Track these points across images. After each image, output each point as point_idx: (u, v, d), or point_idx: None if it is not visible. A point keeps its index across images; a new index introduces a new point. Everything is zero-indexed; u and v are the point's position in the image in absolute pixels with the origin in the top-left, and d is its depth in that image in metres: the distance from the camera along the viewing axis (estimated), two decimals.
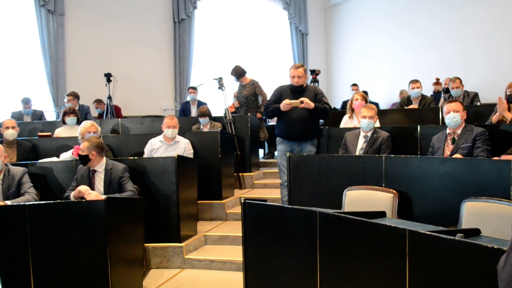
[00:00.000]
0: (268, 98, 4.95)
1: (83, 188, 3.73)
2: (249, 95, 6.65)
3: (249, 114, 6.46)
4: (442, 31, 9.18)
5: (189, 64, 9.57)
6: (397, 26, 10.14)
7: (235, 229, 4.68)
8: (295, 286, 2.70)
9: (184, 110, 7.65)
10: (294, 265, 2.70)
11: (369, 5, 10.89)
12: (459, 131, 3.94)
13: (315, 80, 7.66)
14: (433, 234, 1.97)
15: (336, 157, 4.17)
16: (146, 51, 9.16)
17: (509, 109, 4.48)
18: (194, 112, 7.40)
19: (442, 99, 6.75)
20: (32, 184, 3.89)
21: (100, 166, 3.95)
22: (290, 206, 2.91)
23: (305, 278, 2.62)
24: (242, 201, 2.97)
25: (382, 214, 2.66)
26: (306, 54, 11.73)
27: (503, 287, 0.82)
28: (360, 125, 4.47)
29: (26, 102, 6.93)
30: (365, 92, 8.50)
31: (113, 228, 3.25)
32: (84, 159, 3.92)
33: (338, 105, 10.06)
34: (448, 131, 4.01)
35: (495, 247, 1.71)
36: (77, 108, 6.72)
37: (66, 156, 4.67)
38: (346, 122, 5.47)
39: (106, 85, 7.44)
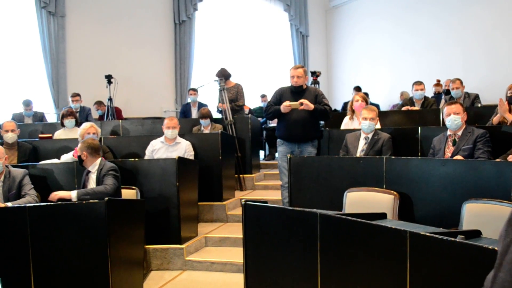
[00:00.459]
0: (269, 99, 4.96)
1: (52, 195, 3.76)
2: (233, 98, 6.65)
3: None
4: (442, 32, 9.18)
5: (189, 65, 9.58)
6: (398, 27, 10.14)
7: (236, 230, 4.68)
8: None
9: (184, 112, 7.65)
10: (295, 266, 2.70)
11: (369, 6, 10.89)
12: (460, 133, 3.93)
13: (315, 82, 7.66)
14: (434, 235, 1.97)
15: (336, 158, 4.17)
16: (147, 52, 9.17)
17: (510, 111, 4.47)
18: (194, 113, 7.40)
19: (443, 101, 6.74)
20: (32, 186, 3.89)
21: (93, 166, 3.98)
22: (290, 208, 2.91)
23: (305, 280, 2.61)
24: (243, 202, 2.97)
25: (383, 216, 2.65)
26: (306, 56, 11.74)
27: None
28: (361, 126, 4.47)
29: (27, 104, 6.93)
30: (366, 94, 8.50)
31: (114, 230, 3.25)
32: (79, 160, 4.02)
33: (338, 107, 10.06)
34: (449, 132, 4.00)
35: (496, 248, 1.71)
36: (79, 108, 6.79)
37: (67, 157, 4.68)
38: (346, 123, 5.46)
39: (106, 87, 7.44)
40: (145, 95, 9.00)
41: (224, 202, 5.28)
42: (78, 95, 7.00)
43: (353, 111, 5.33)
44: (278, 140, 4.85)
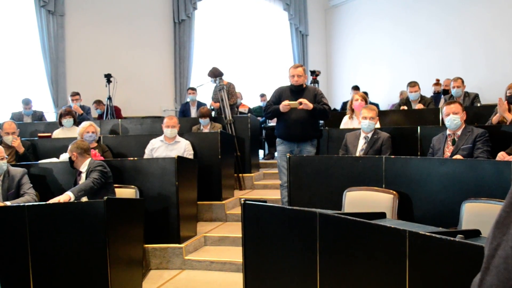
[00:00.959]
0: (268, 99, 4.96)
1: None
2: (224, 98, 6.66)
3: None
4: (442, 32, 9.18)
5: (189, 65, 9.57)
6: (397, 27, 10.14)
7: (235, 230, 4.68)
8: (295, 287, 2.70)
9: (184, 111, 7.65)
10: (294, 266, 2.70)
11: (369, 6, 10.89)
12: (459, 132, 3.93)
13: (315, 81, 7.65)
14: (433, 235, 1.96)
15: (336, 158, 4.17)
16: (146, 51, 9.16)
17: (509, 110, 4.48)
18: (193, 113, 7.40)
19: (442, 100, 6.74)
20: (31, 185, 3.89)
21: (84, 166, 3.98)
22: (290, 207, 2.92)
23: (305, 279, 2.61)
24: (242, 202, 2.97)
25: (382, 215, 2.65)
26: (306, 55, 11.73)
27: None
28: (361, 126, 4.47)
29: (26, 103, 6.93)
30: (365, 93, 8.50)
31: (113, 229, 3.24)
32: (70, 161, 4.03)
33: (338, 106, 10.05)
34: (448, 132, 4.00)
35: None
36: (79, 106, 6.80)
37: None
38: (346, 122, 5.46)
39: (106, 86, 7.43)
40: (144, 94, 8.99)
41: (223, 202, 5.28)
42: (78, 94, 6.99)
43: (352, 111, 5.33)
44: (278, 139, 4.84)
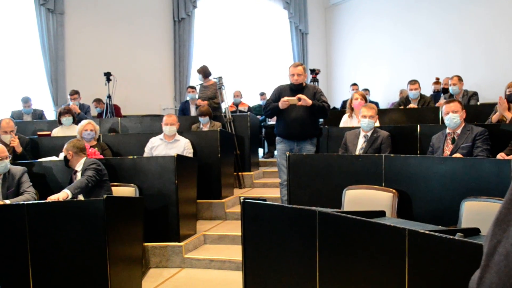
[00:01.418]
0: (268, 97, 4.96)
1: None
2: (212, 96, 6.66)
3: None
4: (442, 30, 9.17)
5: (188, 63, 9.56)
6: (397, 25, 10.13)
7: (235, 228, 4.68)
8: (294, 286, 2.70)
9: (183, 110, 7.64)
10: (294, 264, 2.70)
11: (369, 4, 10.88)
12: (459, 131, 3.93)
13: (315, 80, 7.65)
14: (433, 233, 1.96)
15: (335, 156, 4.17)
16: (146, 50, 9.15)
17: (509, 109, 4.47)
18: (193, 111, 7.39)
19: (442, 99, 6.74)
20: (31, 184, 3.89)
21: (79, 166, 3.98)
22: (289, 206, 2.91)
23: (304, 278, 2.61)
24: (242, 200, 2.97)
25: (381, 214, 2.65)
26: (306, 54, 11.72)
27: None
28: (360, 124, 4.47)
29: (25, 101, 6.92)
30: (367, 90, 8.54)
31: (112, 227, 3.24)
32: (65, 160, 4.03)
33: (338, 105, 10.05)
34: (447, 130, 4.00)
35: None
36: (78, 105, 6.77)
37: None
38: (345, 121, 5.46)
39: (105, 84, 7.42)
40: (144, 93, 8.98)
41: (223, 200, 5.28)
42: (77, 92, 6.97)
43: (352, 109, 5.34)
44: (277, 138, 4.84)
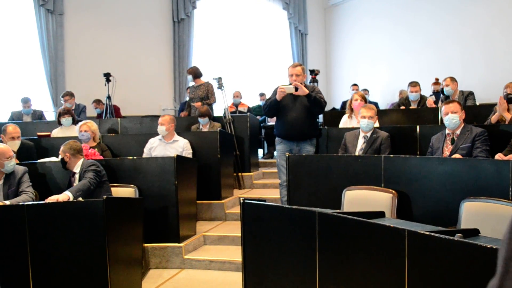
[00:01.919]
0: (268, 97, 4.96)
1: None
2: (203, 96, 6.67)
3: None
4: (441, 31, 9.18)
5: (188, 63, 9.55)
6: (397, 26, 10.14)
7: (234, 229, 4.68)
8: (294, 286, 2.70)
9: (183, 110, 7.64)
10: (293, 265, 2.70)
11: (368, 5, 10.89)
12: (458, 132, 3.93)
13: (314, 80, 7.65)
14: (432, 234, 1.97)
15: (335, 157, 4.18)
16: (146, 50, 9.15)
17: (508, 110, 4.48)
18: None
19: (440, 101, 6.74)
20: (30, 184, 3.88)
21: (77, 167, 3.98)
22: (289, 206, 2.92)
23: (304, 278, 2.61)
24: (241, 201, 2.97)
25: (381, 214, 2.66)
26: (305, 54, 11.72)
27: None
28: (360, 125, 4.47)
29: (25, 101, 6.91)
30: (366, 90, 8.56)
31: (112, 228, 3.25)
32: (62, 162, 4.01)
33: (337, 105, 10.07)
34: (447, 131, 4.00)
35: (494, 247, 1.71)
36: (73, 107, 6.73)
37: None
38: (345, 122, 5.47)
39: (105, 85, 7.42)
40: (143, 93, 8.98)
41: (222, 201, 5.28)
42: (68, 94, 6.84)
43: (351, 110, 5.34)
44: (277, 138, 4.85)
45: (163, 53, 9.44)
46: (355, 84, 8.66)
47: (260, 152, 8.05)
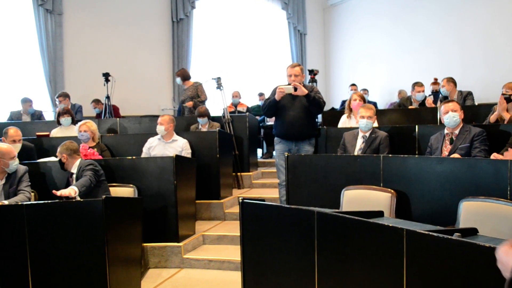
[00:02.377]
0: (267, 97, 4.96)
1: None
2: (194, 96, 6.67)
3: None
4: (440, 30, 9.19)
5: (187, 63, 9.55)
6: (396, 25, 10.15)
7: (234, 228, 4.68)
8: (293, 286, 2.70)
9: (181, 110, 7.63)
10: (292, 264, 2.71)
11: (367, 5, 10.89)
12: (457, 131, 3.94)
13: (313, 80, 7.66)
14: (431, 233, 1.97)
15: (334, 157, 4.18)
16: (145, 50, 9.15)
17: (507, 110, 4.48)
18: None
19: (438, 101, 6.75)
20: (29, 184, 3.88)
21: (74, 168, 3.98)
22: (288, 206, 2.92)
23: (303, 278, 2.62)
24: (240, 200, 2.97)
25: (380, 214, 2.66)
26: (304, 54, 11.73)
27: None
28: (359, 125, 4.48)
29: (25, 101, 6.90)
30: (365, 90, 8.57)
31: (111, 228, 3.25)
32: (60, 163, 4.01)
33: (336, 105, 10.08)
34: (446, 131, 4.01)
35: (492, 246, 1.72)
36: (69, 107, 6.71)
37: None
38: (344, 122, 5.48)
39: (104, 85, 7.42)
40: (142, 93, 8.98)
41: (221, 200, 5.28)
42: (63, 95, 6.80)
43: (351, 110, 5.35)
44: (276, 138, 4.85)
45: (162, 53, 9.44)
46: (353, 84, 8.70)
47: (259, 151, 8.05)
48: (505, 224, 2.71)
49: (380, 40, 10.55)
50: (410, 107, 6.38)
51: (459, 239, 1.90)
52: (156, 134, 5.26)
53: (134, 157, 4.58)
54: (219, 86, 6.46)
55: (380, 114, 5.49)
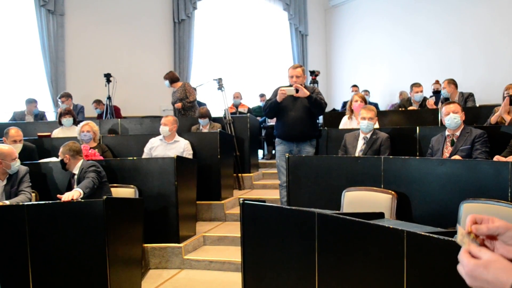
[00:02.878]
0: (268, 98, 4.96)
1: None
2: (182, 97, 6.68)
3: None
4: (441, 31, 9.18)
5: (188, 64, 9.57)
6: (397, 26, 10.14)
7: (234, 229, 4.68)
8: (293, 287, 2.71)
9: None
10: (293, 265, 2.71)
11: (368, 6, 10.89)
12: (458, 133, 3.94)
13: (314, 81, 7.66)
14: (431, 235, 1.97)
15: (335, 158, 4.18)
16: (146, 51, 9.16)
17: (508, 112, 4.48)
18: None
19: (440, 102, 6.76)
20: (30, 184, 3.89)
21: (76, 169, 3.98)
22: (288, 207, 2.92)
23: (303, 279, 2.62)
24: (241, 201, 2.98)
25: (380, 215, 2.66)
26: (306, 55, 11.73)
27: None
28: (360, 126, 4.48)
29: (30, 102, 6.91)
30: (367, 91, 8.57)
31: (112, 229, 3.25)
32: (61, 164, 4.00)
33: (337, 106, 10.08)
34: (447, 133, 4.01)
35: None
36: (71, 108, 6.72)
37: None
38: (345, 123, 5.48)
39: (105, 85, 7.43)
40: (144, 94, 8.99)
41: (222, 201, 5.28)
42: (65, 95, 6.80)
43: (352, 111, 5.35)
44: (277, 139, 4.85)
45: (163, 54, 9.45)
46: (355, 85, 8.70)
47: (260, 153, 8.05)
48: None
49: (381, 41, 10.55)
50: (410, 108, 6.38)
51: None
52: (157, 134, 5.26)
53: (135, 158, 4.59)
54: (220, 87, 6.46)
55: (381, 115, 5.49)
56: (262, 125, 8.16)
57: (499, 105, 4.64)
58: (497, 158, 3.42)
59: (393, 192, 3.44)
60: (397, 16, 10.14)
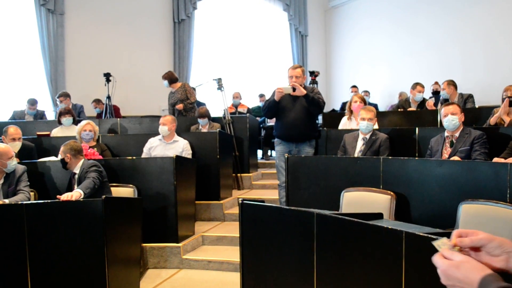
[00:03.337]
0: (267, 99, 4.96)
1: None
2: (183, 98, 6.68)
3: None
4: (441, 32, 9.19)
5: (188, 64, 9.57)
6: (397, 27, 10.15)
7: (233, 229, 4.68)
8: (292, 287, 2.71)
9: None
10: (291, 266, 2.71)
11: (368, 6, 10.90)
12: (457, 134, 3.94)
13: (314, 82, 7.66)
14: (430, 236, 1.97)
15: (334, 158, 4.18)
16: (146, 51, 9.16)
17: (507, 113, 4.48)
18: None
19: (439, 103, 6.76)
20: (28, 183, 3.88)
21: (77, 168, 3.97)
22: (287, 207, 2.92)
23: (302, 279, 2.62)
24: (240, 201, 2.98)
25: (379, 216, 2.66)
26: (305, 56, 11.73)
27: None
28: (359, 127, 4.48)
29: (32, 103, 6.90)
30: (367, 92, 8.58)
31: (111, 228, 3.25)
32: (62, 163, 3.99)
33: (337, 107, 10.07)
34: (446, 134, 4.01)
35: None
36: (70, 107, 6.72)
37: None
38: (344, 123, 5.48)
39: (105, 85, 7.43)
40: (143, 94, 8.99)
41: (221, 201, 5.28)
42: (63, 95, 6.79)
43: (351, 112, 5.35)
44: (276, 139, 4.85)
45: (163, 53, 9.45)
46: (354, 86, 8.70)
47: (260, 153, 8.06)
48: (505, 227, 2.71)
49: (381, 42, 10.56)
50: (409, 109, 6.38)
51: None
52: (157, 134, 5.26)
53: (134, 157, 4.59)
54: (220, 87, 6.46)
55: (380, 116, 5.49)
56: (261, 126, 8.16)
57: (499, 107, 4.64)
58: (496, 160, 3.42)
59: (392, 193, 3.45)
60: (396, 17, 10.15)
